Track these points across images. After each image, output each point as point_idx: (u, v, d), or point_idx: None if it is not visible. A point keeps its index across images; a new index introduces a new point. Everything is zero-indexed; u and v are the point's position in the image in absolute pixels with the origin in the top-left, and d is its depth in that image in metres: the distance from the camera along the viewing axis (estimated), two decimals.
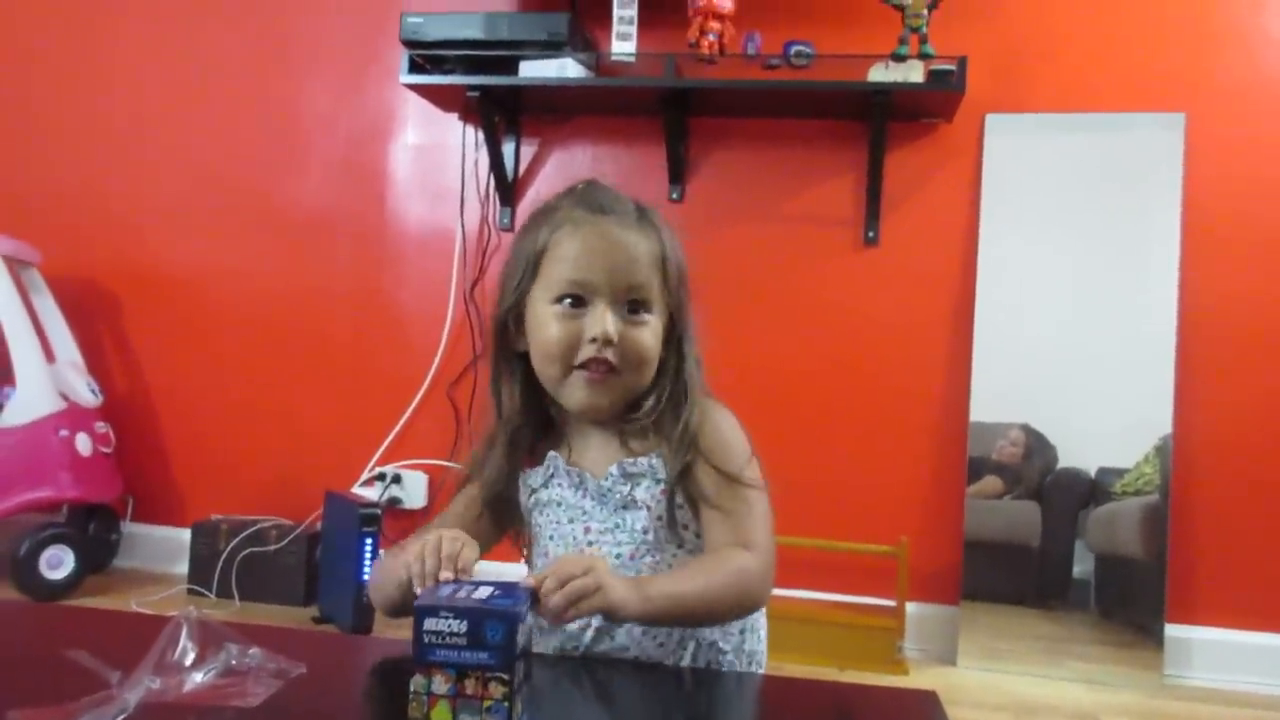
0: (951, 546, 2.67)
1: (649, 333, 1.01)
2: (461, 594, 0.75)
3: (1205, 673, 2.55)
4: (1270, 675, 2.53)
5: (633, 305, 1.00)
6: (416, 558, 0.85)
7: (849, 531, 2.68)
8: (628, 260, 1.00)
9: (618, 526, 1.02)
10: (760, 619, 1.09)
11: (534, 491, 1.07)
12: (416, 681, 0.71)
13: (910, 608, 2.59)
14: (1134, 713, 2.32)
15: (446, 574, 0.83)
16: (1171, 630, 2.53)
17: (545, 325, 1.01)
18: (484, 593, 0.76)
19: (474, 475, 1.09)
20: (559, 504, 1.04)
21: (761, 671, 1.07)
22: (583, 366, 0.99)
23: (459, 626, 0.71)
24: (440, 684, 0.71)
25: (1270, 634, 2.56)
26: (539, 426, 1.08)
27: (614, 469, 1.02)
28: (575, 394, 1.01)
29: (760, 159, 2.81)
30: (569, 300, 0.99)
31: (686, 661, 0.99)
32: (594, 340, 0.98)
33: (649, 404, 1.02)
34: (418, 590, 0.82)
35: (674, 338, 1.05)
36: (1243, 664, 2.54)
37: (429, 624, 0.71)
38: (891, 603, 2.58)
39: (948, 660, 2.61)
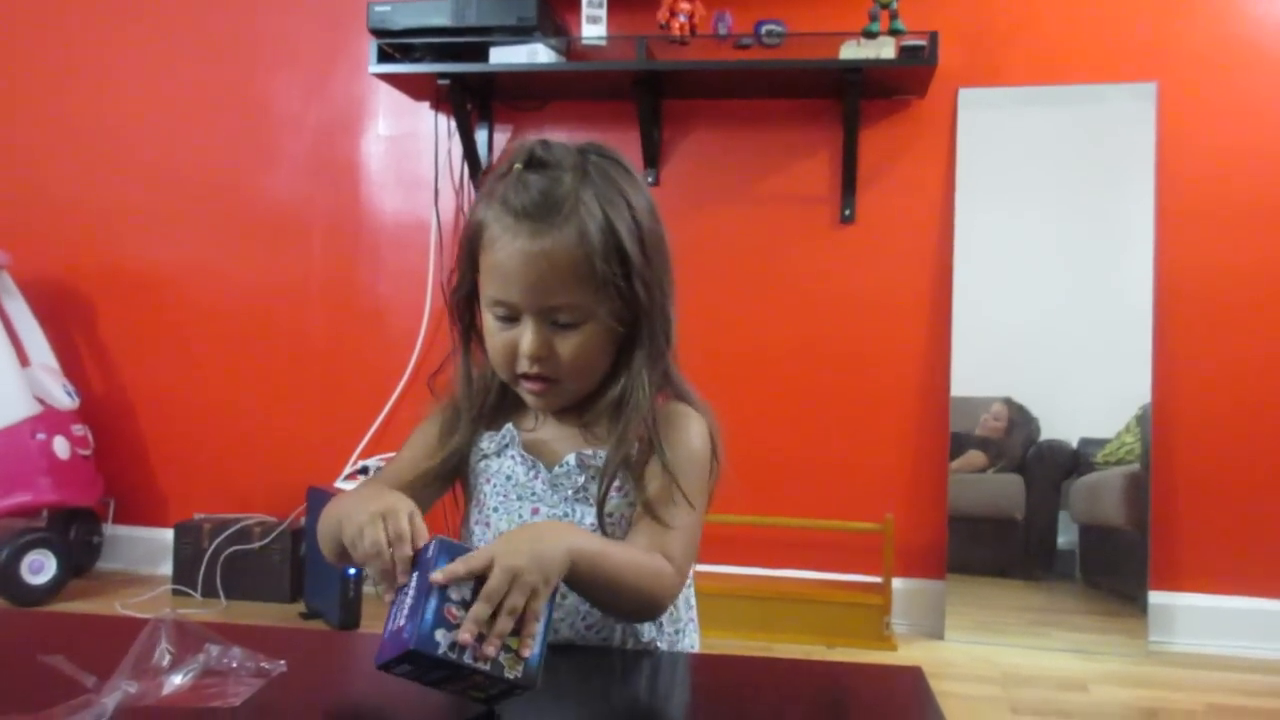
0: (936, 522, 2.68)
1: (583, 340, 0.96)
2: (398, 620, 0.76)
3: (1189, 638, 2.58)
4: (1251, 638, 2.56)
5: (560, 318, 0.97)
6: (371, 548, 0.81)
7: (834, 510, 2.69)
8: (544, 277, 0.94)
9: (565, 516, 0.99)
10: (693, 625, 1.08)
11: (485, 456, 1.04)
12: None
13: (897, 583, 2.61)
14: (1120, 679, 2.34)
15: (402, 577, 0.80)
16: (1155, 597, 2.56)
17: (488, 331, 0.99)
18: (403, 608, 0.76)
19: (437, 413, 1.06)
20: (509, 478, 1.02)
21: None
22: (525, 374, 0.98)
23: (410, 669, 0.75)
24: (452, 686, 0.76)
25: (1251, 598, 2.59)
26: (504, 394, 1.05)
27: (571, 458, 1.00)
28: (525, 397, 1.01)
29: (734, 140, 2.80)
30: (501, 312, 0.97)
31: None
32: (525, 355, 0.96)
33: (610, 393, 0.99)
34: (385, 598, 0.81)
35: (637, 319, 0.98)
36: (1225, 628, 2.57)
37: (398, 672, 0.75)
38: (878, 579, 2.59)
39: (935, 634, 2.63)
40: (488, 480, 1.04)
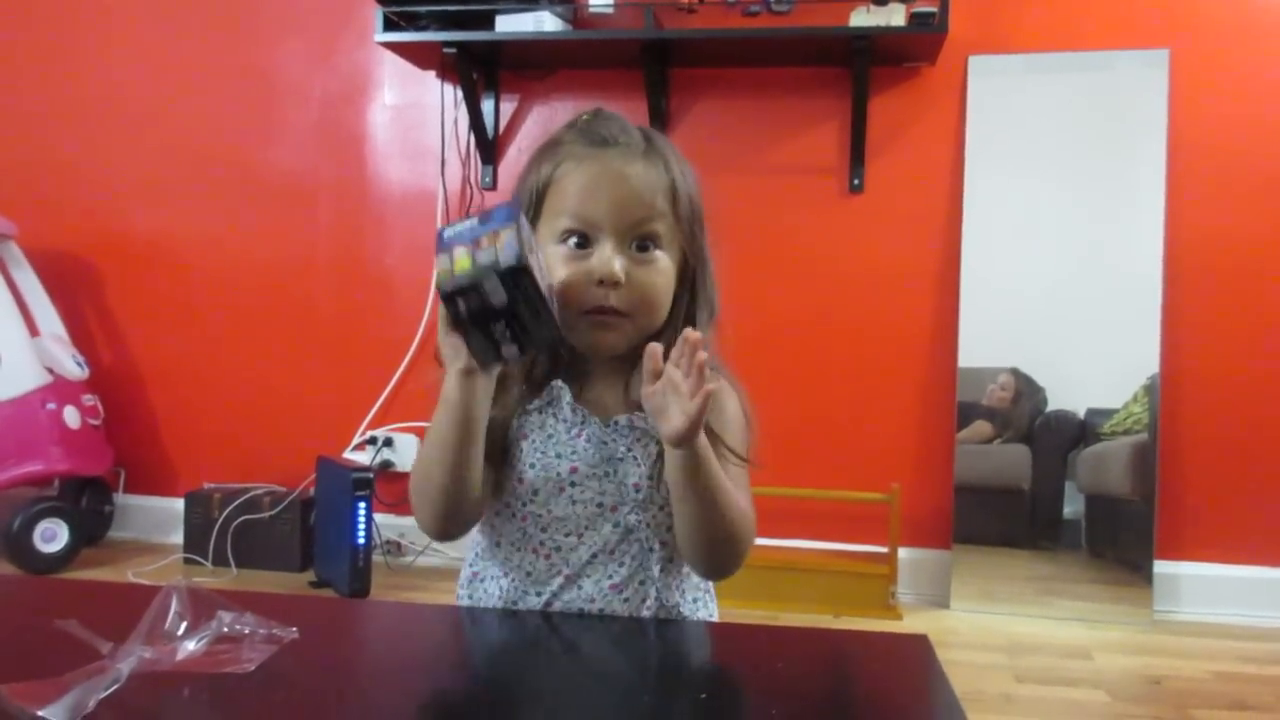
0: (942, 492, 2.69)
1: (658, 272, 0.97)
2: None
3: (1194, 607, 2.59)
4: (1256, 607, 2.56)
5: (641, 243, 0.96)
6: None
7: (840, 480, 2.69)
8: (633, 194, 0.95)
9: (606, 475, 0.99)
10: (710, 595, 1.09)
11: (526, 413, 1.03)
12: (440, 260, 0.84)
13: (903, 553, 2.62)
14: (1125, 648, 2.35)
15: None
16: (1160, 567, 2.56)
17: (552, 267, 0.97)
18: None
19: None
20: (550, 436, 1.01)
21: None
22: (591, 311, 0.96)
23: (471, 222, 0.84)
24: (460, 252, 0.83)
25: (1256, 567, 2.59)
26: (551, 361, 1.04)
27: (622, 419, 1.00)
28: (584, 337, 0.98)
29: (743, 109, 2.78)
30: (574, 240, 0.96)
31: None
32: (601, 283, 0.95)
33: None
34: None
35: (688, 278, 1.02)
36: (1229, 597, 2.58)
37: (448, 232, 0.85)
38: (884, 549, 2.60)
39: (941, 603, 2.64)
40: (526, 436, 1.03)
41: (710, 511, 0.93)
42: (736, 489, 0.97)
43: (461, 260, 0.82)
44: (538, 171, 1.00)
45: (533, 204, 0.99)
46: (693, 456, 0.89)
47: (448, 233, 0.85)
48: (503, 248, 0.82)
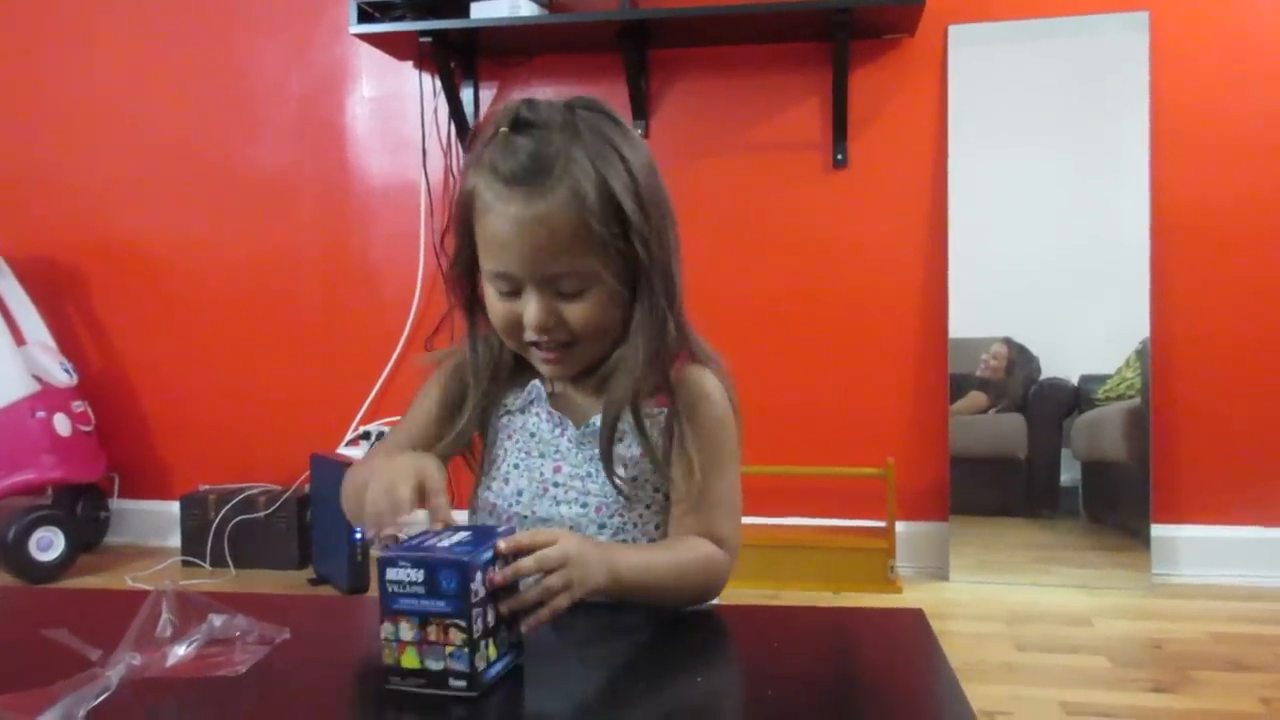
0: (938, 464, 2.69)
1: (591, 305, 0.93)
2: (428, 542, 0.75)
3: (1191, 569, 2.59)
4: (1253, 567, 2.57)
5: (566, 283, 0.93)
6: (372, 501, 0.87)
7: (835, 456, 2.69)
8: (547, 241, 0.90)
9: (589, 476, 0.99)
10: None
11: (508, 412, 1.03)
12: (386, 629, 0.73)
13: (900, 527, 2.62)
14: (1124, 613, 2.36)
15: (392, 531, 0.84)
16: (1158, 530, 2.57)
17: (490, 301, 0.96)
18: (449, 540, 0.76)
19: (441, 377, 1.05)
20: (532, 435, 1.01)
21: None
22: (536, 343, 0.96)
23: (417, 576, 0.72)
24: (406, 630, 0.72)
25: (1252, 527, 2.60)
26: (519, 359, 1.03)
27: (596, 419, 0.98)
28: (539, 366, 0.99)
29: (723, 87, 2.76)
30: (503, 286, 0.94)
31: None
32: (531, 327, 0.94)
33: (622, 349, 0.97)
34: (369, 535, 0.86)
35: (644, 276, 0.95)
36: (1227, 558, 2.58)
37: (390, 574, 0.72)
38: (881, 523, 2.60)
39: (940, 575, 2.65)
40: (509, 436, 1.02)
41: (659, 603, 0.92)
42: (711, 511, 0.96)
43: (409, 656, 0.72)
44: (466, 180, 0.96)
45: (465, 222, 0.97)
46: (613, 596, 0.88)
47: (390, 582, 0.72)
48: (453, 655, 0.71)
